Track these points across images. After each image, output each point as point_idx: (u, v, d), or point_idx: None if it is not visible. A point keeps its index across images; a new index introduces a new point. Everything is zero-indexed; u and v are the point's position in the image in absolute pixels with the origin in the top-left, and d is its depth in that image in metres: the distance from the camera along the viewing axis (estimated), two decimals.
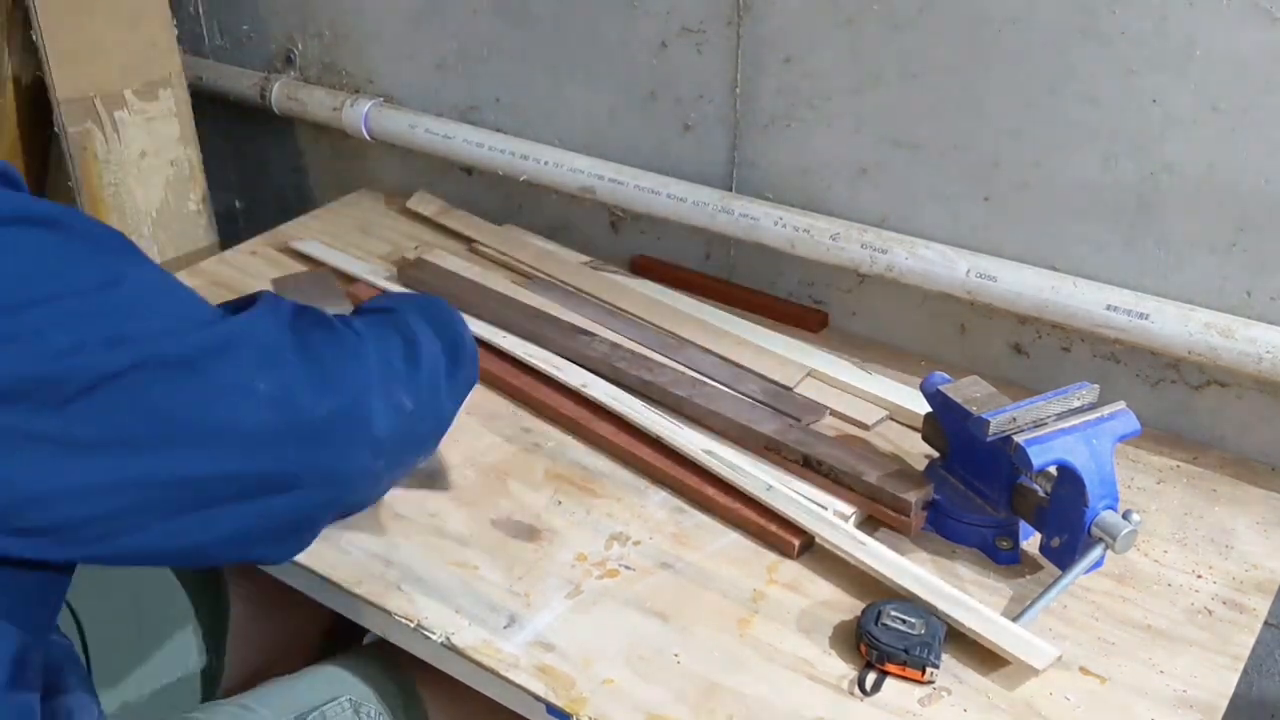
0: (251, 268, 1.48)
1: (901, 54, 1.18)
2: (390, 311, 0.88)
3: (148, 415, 0.65)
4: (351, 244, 1.55)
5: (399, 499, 1.05)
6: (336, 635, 1.23)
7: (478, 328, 1.27)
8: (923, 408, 1.05)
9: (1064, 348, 1.21)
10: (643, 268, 1.47)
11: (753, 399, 1.17)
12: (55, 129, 1.54)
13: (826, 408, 1.17)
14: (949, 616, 0.89)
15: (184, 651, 1.11)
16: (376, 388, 0.77)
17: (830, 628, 0.91)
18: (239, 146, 2.02)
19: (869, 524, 1.02)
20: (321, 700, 0.95)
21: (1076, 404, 0.96)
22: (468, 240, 1.54)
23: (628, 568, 0.98)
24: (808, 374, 1.22)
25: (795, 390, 1.20)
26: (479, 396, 1.21)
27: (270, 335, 0.72)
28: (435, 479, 1.08)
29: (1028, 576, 0.97)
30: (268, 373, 0.70)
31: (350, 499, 0.80)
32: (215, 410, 0.67)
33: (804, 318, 1.35)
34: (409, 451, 0.85)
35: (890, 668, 0.86)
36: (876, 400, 1.19)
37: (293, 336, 0.73)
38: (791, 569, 0.97)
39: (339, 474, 0.75)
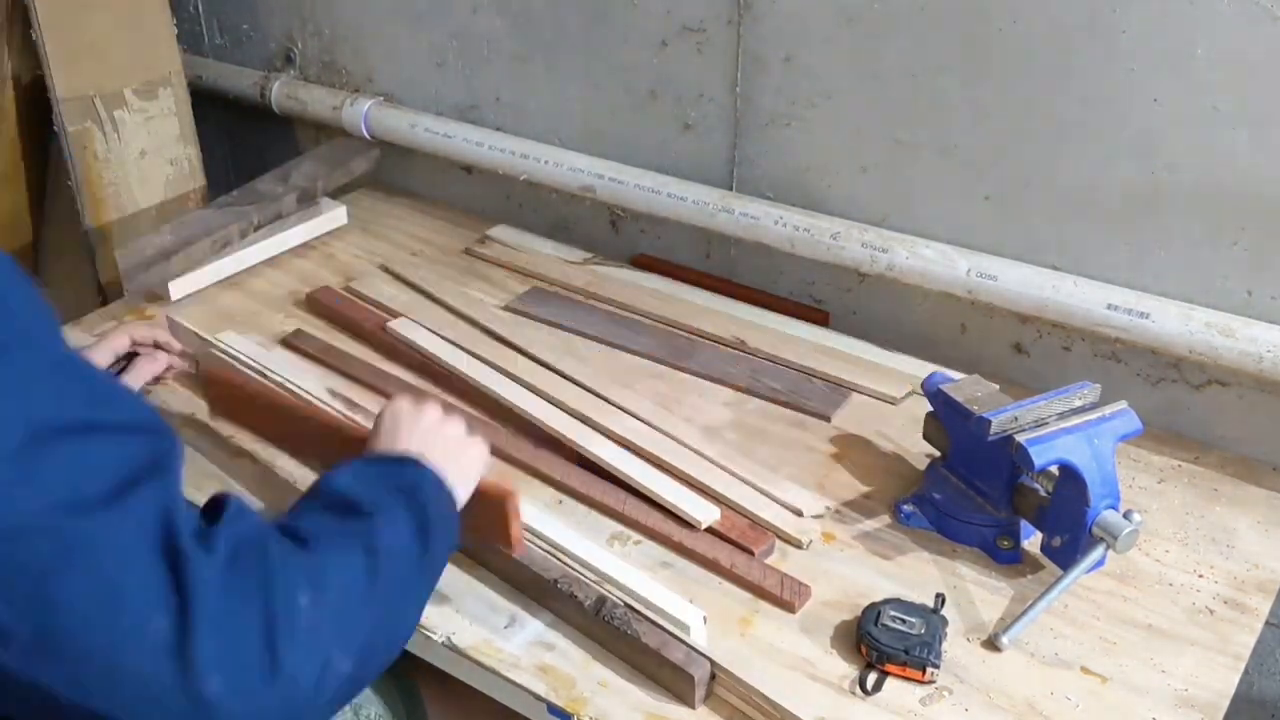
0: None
1: (902, 53, 1.18)
2: (358, 513, 0.73)
3: (21, 603, 0.54)
4: (352, 243, 1.55)
5: None
6: None
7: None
8: None
9: (1065, 347, 1.20)
10: (644, 267, 1.47)
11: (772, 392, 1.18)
12: (55, 128, 1.54)
13: (848, 392, 1.19)
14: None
15: None
16: (299, 657, 0.61)
17: (831, 628, 0.91)
18: (239, 145, 2.01)
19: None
20: None
21: (1078, 403, 0.96)
22: (474, 255, 1.54)
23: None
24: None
25: (815, 375, 1.21)
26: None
27: (201, 574, 0.58)
28: None
29: (1029, 576, 0.97)
30: (173, 611, 0.57)
31: None
32: (95, 627, 0.56)
33: (806, 317, 1.35)
34: (344, 702, 0.69)
35: (890, 668, 0.86)
36: (903, 376, 1.22)
37: (233, 585, 0.60)
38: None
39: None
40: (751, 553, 0.97)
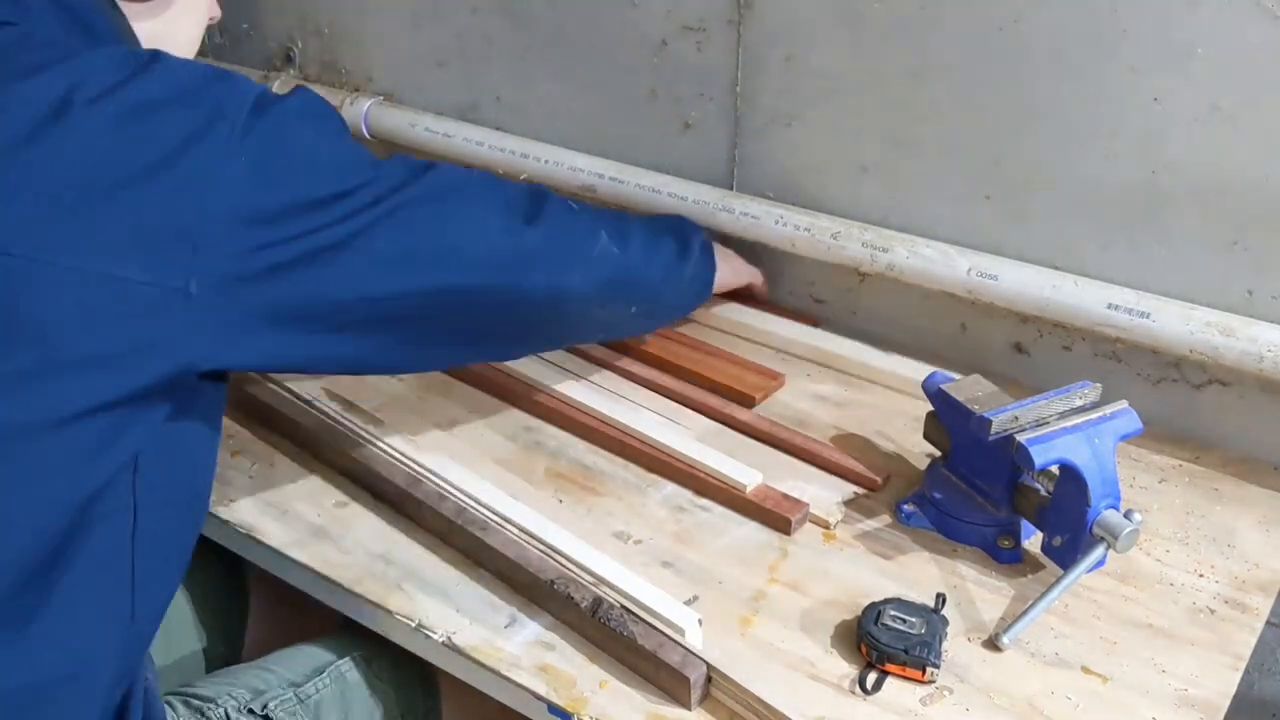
0: None
1: (903, 52, 1.18)
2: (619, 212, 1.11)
3: (423, 238, 0.81)
4: None
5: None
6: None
7: None
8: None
9: (1065, 346, 1.20)
10: None
11: None
12: None
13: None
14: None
15: (197, 647, 1.12)
16: (581, 240, 0.96)
17: (831, 627, 0.91)
18: None
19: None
20: (335, 657, 0.99)
21: (1078, 403, 0.96)
22: None
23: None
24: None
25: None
26: (478, 397, 1.21)
27: (498, 188, 0.92)
28: None
29: (1029, 576, 0.96)
30: (501, 212, 0.89)
31: (568, 318, 0.98)
32: (464, 237, 0.85)
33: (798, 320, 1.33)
34: (619, 295, 1.03)
35: (891, 668, 0.86)
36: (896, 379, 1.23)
37: (522, 192, 0.94)
38: (792, 569, 0.97)
39: (557, 290, 0.93)
40: (788, 521, 1.01)
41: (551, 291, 0.92)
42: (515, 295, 0.89)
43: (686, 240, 1.14)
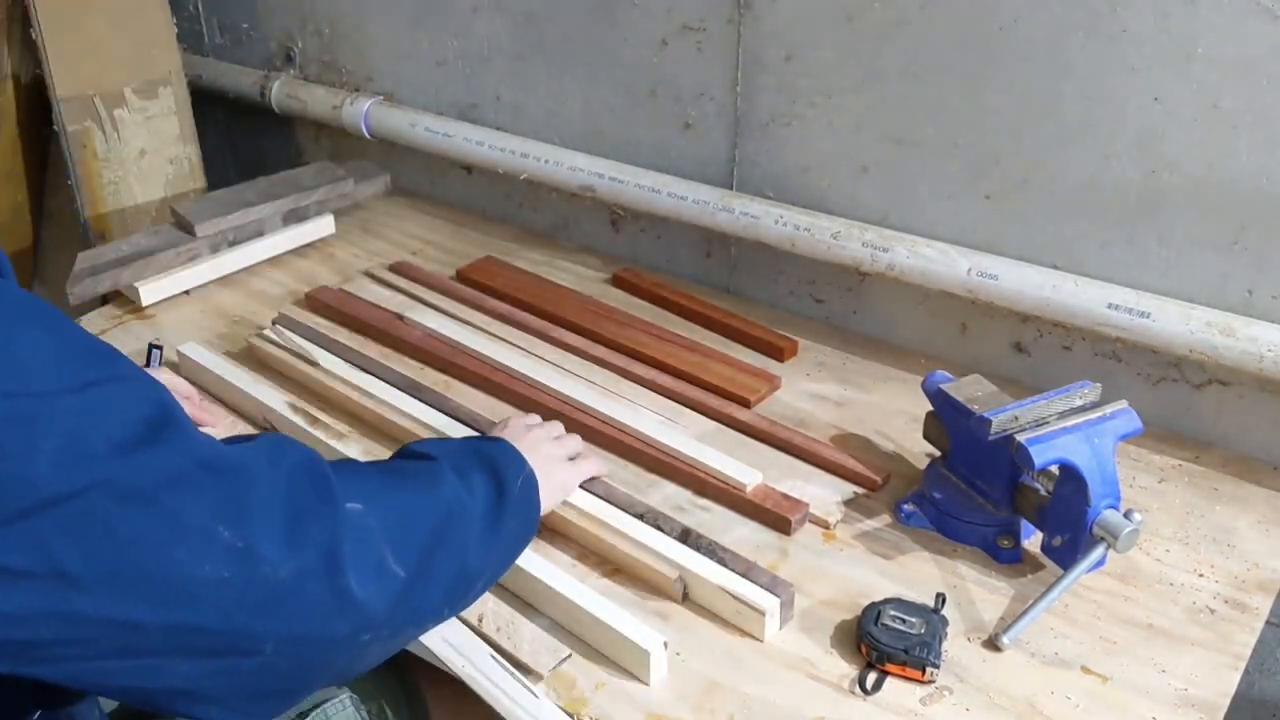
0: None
1: (902, 52, 1.18)
2: (428, 459, 0.80)
3: (89, 550, 0.56)
4: (352, 243, 1.55)
5: None
6: None
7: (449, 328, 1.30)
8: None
9: (1065, 346, 1.20)
10: (623, 282, 1.44)
11: None
12: (55, 127, 1.54)
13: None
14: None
15: None
16: (352, 553, 0.66)
17: (831, 627, 0.91)
18: (239, 144, 2.02)
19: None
20: (323, 697, 0.95)
21: (1078, 403, 0.96)
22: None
23: None
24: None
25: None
26: (475, 397, 1.21)
27: (250, 477, 0.63)
28: None
29: (1029, 576, 0.96)
30: (234, 519, 0.61)
31: (331, 669, 0.69)
32: (166, 553, 0.58)
33: (773, 346, 1.29)
34: (410, 622, 0.74)
35: (890, 668, 0.86)
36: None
37: (284, 486, 0.65)
38: (792, 569, 0.97)
39: (309, 641, 0.65)
40: (788, 521, 1.01)
41: (302, 641, 0.65)
42: (240, 646, 0.63)
43: (505, 490, 0.83)
